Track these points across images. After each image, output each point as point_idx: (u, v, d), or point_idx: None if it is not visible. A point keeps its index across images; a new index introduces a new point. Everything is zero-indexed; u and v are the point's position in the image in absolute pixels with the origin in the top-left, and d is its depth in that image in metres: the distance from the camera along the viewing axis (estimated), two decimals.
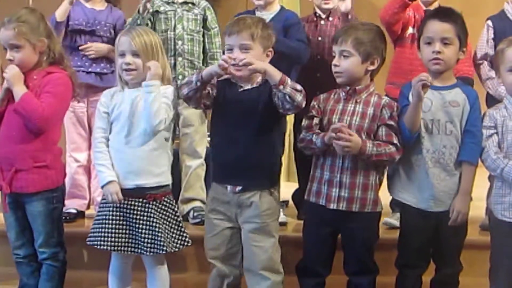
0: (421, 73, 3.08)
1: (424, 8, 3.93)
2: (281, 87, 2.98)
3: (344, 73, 3.18)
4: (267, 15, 3.85)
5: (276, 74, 3.00)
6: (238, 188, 3.14)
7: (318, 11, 4.01)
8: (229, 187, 3.16)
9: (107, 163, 3.17)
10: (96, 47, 4.07)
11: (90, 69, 4.06)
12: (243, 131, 3.10)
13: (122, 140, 3.17)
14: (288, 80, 3.01)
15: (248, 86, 3.14)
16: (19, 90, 3.18)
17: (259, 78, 3.13)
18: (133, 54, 3.15)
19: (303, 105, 3.04)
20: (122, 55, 3.17)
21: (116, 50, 3.23)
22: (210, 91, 3.14)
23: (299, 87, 3.02)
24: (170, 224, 3.21)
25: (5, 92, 3.24)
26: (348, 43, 3.15)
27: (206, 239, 3.24)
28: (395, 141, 3.13)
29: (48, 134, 3.24)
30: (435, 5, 3.87)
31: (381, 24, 3.79)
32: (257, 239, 3.14)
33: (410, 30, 3.93)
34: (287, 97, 2.99)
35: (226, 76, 3.12)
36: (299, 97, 3.00)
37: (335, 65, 3.18)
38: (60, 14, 3.96)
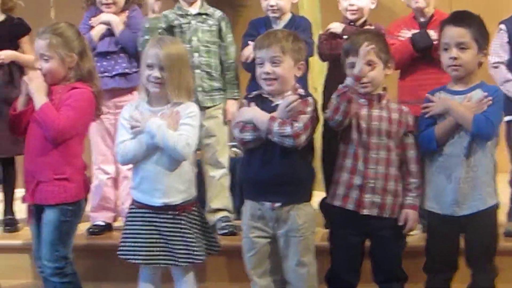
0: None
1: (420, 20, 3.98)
2: (270, 136, 3.04)
3: (374, 81, 3.17)
4: (281, 23, 3.89)
5: (262, 124, 3.05)
6: (277, 204, 3.13)
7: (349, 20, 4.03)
8: (266, 203, 3.15)
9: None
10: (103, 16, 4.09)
11: (113, 72, 4.06)
12: (277, 148, 3.09)
13: (151, 158, 3.15)
14: (275, 128, 3.02)
15: (279, 101, 3.13)
16: (40, 100, 3.18)
17: (289, 92, 3.13)
18: (160, 68, 3.14)
19: (300, 143, 3.04)
20: (150, 67, 3.16)
21: (142, 60, 3.22)
22: None
23: (287, 130, 3.02)
24: (201, 232, 3.22)
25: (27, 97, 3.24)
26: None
27: (246, 258, 3.23)
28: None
29: (68, 147, 3.23)
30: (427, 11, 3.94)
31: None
32: (298, 254, 3.13)
33: None
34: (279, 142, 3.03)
35: (255, 93, 3.19)
36: (288, 142, 3.02)
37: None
38: (96, 35, 4.06)
